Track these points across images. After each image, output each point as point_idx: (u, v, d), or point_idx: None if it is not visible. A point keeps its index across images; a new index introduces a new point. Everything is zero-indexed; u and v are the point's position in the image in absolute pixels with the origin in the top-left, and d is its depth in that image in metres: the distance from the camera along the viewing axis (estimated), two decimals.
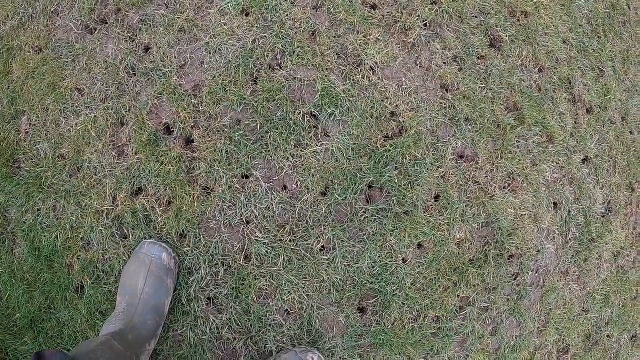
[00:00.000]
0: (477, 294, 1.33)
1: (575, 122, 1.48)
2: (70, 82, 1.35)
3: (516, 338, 1.46)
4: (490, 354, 1.43)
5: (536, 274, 1.45)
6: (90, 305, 1.25)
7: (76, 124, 1.32)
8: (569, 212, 1.46)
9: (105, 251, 1.24)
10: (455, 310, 1.32)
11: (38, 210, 1.30)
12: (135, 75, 1.32)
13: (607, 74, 1.60)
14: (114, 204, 1.25)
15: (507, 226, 1.33)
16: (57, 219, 1.29)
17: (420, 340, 1.29)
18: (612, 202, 1.61)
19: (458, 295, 1.31)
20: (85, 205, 1.27)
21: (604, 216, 1.60)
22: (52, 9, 1.42)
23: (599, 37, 1.61)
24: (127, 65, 1.33)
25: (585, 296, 1.61)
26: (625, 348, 1.84)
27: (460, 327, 1.33)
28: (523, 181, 1.35)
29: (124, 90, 1.32)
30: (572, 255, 1.52)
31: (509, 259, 1.37)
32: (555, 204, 1.44)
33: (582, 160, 1.50)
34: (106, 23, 1.41)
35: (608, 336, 1.75)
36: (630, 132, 1.68)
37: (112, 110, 1.31)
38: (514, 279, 1.40)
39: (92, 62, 1.35)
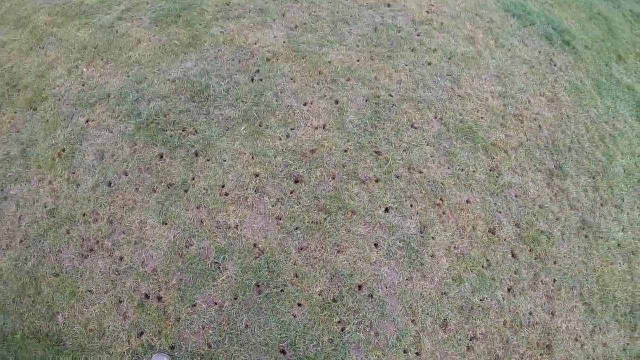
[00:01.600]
0: (349, 316, 2.69)
1: (369, 193, 2.93)
2: (83, 288, 2.91)
3: (398, 331, 2.77)
4: (383, 349, 2.74)
5: (386, 288, 2.80)
6: None
7: (94, 309, 2.85)
8: (388, 244, 2.85)
9: None
10: (340, 330, 2.67)
11: None
12: (119, 274, 2.88)
13: (383, 150, 3.07)
14: (129, 344, 2.73)
15: (347, 272, 2.73)
16: None
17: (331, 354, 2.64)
18: (423, 221, 2.98)
19: (336, 321, 2.67)
20: (113, 352, 2.75)
21: (421, 232, 2.96)
22: (56, 249, 3.04)
23: (370, 132, 3.11)
24: (113, 269, 2.89)
25: (438, 285, 2.92)
26: (508, 301, 3.06)
27: (350, 339, 2.67)
28: (344, 243, 2.77)
29: (116, 283, 2.86)
30: (408, 265, 2.87)
31: (358, 289, 2.74)
32: (375, 244, 2.84)
33: (384, 210, 2.92)
34: (92, 250, 3.01)
35: (481, 300, 3.00)
36: (420, 172, 3.10)
37: (112, 296, 2.84)
38: (371, 297, 2.75)
39: (92, 273, 2.92)
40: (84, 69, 4.03)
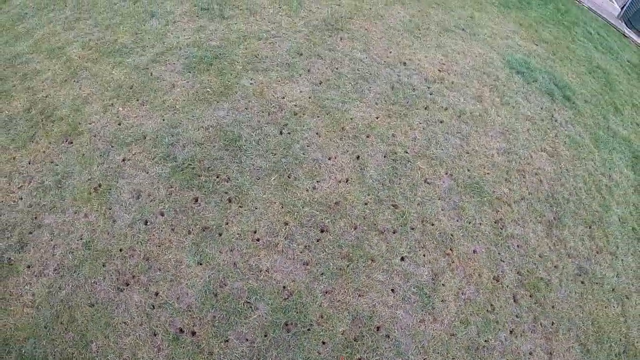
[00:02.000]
0: (368, 354, 3.13)
1: (387, 243, 3.42)
2: (118, 319, 3.33)
3: None
4: None
5: (401, 330, 3.26)
6: None
7: (129, 340, 3.26)
8: (404, 290, 3.32)
9: None
10: None
11: None
12: (154, 308, 3.31)
13: (399, 203, 3.57)
14: None
15: (367, 314, 3.19)
16: None
17: None
18: (435, 270, 3.46)
19: (357, 359, 3.12)
20: None
21: (433, 279, 3.44)
22: (92, 281, 3.46)
23: (387, 187, 3.62)
24: (148, 304, 3.32)
25: (447, 327, 3.38)
26: (510, 342, 3.52)
27: None
28: (365, 288, 3.24)
29: (151, 317, 3.29)
30: (421, 309, 3.34)
31: (377, 330, 3.20)
32: (392, 289, 3.31)
33: (400, 259, 3.41)
34: (128, 284, 3.45)
35: (485, 341, 3.46)
36: (432, 224, 3.60)
37: (147, 328, 3.27)
38: (388, 338, 3.21)
39: (128, 306, 3.35)
40: (120, 108, 4.52)
